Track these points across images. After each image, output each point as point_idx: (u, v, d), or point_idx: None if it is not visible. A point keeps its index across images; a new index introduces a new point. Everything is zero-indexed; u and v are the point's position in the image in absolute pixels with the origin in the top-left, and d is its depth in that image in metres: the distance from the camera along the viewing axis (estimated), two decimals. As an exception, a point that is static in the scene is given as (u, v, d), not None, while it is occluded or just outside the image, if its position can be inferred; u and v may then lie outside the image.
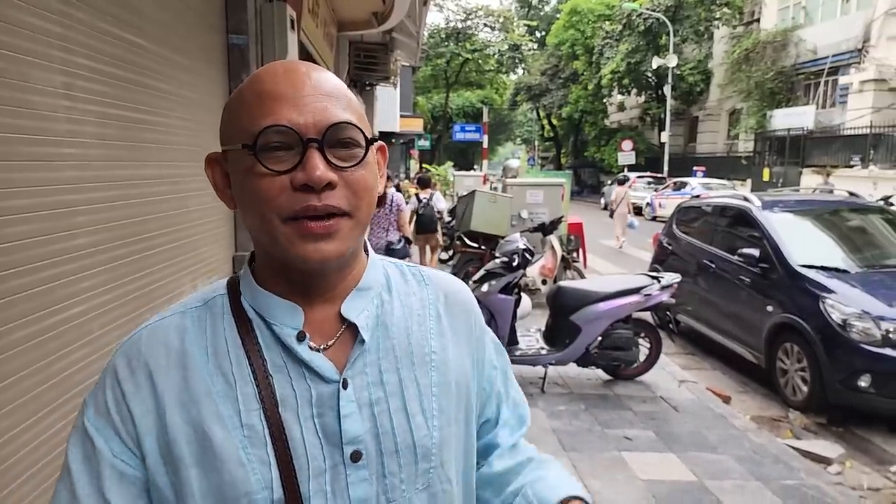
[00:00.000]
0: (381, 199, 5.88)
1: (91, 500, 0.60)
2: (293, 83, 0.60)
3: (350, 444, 0.63)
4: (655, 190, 19.44)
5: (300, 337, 0.64)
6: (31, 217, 1.61)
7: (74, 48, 1.81)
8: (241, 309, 0.66)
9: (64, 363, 1.75)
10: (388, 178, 6.61)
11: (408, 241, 6.13)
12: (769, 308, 4.65)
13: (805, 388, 4.26)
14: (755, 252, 4.82)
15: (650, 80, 25.04)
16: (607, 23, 25.66)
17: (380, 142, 0.70)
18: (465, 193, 8.41)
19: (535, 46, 34.92)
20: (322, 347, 0.65)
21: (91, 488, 0.61)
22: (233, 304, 0.66)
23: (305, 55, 4.94)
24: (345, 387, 0.64)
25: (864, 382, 3.91)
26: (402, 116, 20.08)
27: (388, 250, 5.85)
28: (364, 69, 8.32)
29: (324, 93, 0.61)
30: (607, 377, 4.63)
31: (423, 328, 0.71)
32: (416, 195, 7.44)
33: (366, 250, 0.72)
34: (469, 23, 31.05)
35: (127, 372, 0.63)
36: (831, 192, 7.21)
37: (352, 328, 0.66)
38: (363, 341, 0.66)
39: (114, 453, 0.61)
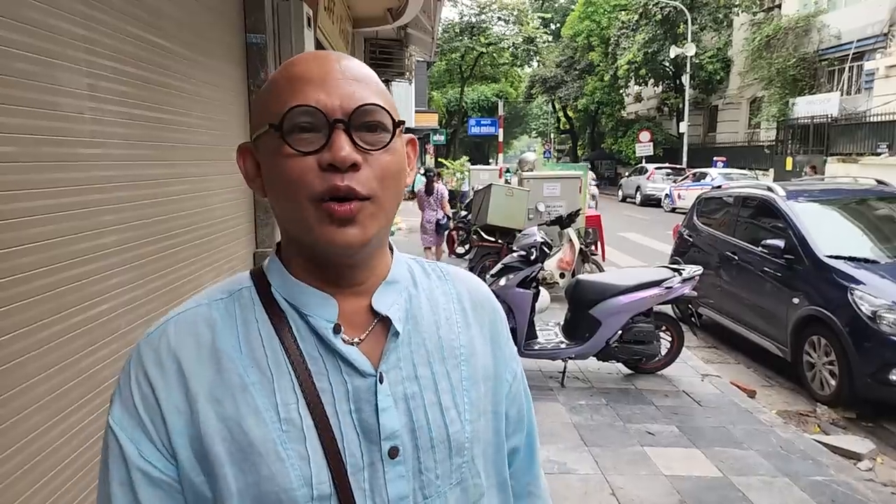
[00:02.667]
0: (430, 189, 8.29)
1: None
2: (323, 67, 0.60)
3: (388, 440, 0.62)
4: (674, 181, 19.16)
5: (336, 329, 0.63)
6: (58, 217, 1.63)
7: (98, 50, 1.83)
8: (272, 300, 0.64)
9: (92, 359, 1.78)
10: (438, 174, 8.99)
11: (448, 218, 8.44)
12: (795, 300, 4.55)
13: (833, 382, 4.17)
14: (780, 243, 4.73)
15: (668, 69, 24.64)
16: (623, 13, 25.27)
17: (411, 135, 0.70)
18: (480, 187, 8.39)
19: (550, 38, 34.52)
20: (356, 341, 0.64)
21: (123, 490, 0.60)
22: (262, 296, 0.64)
23: (321, 52, 4.94)
24: (381, 381, 0.63)
25: (895, 376, 3.81)
26: (417, 112, 20.09)
27: (438, 224, 8.29)
28: (379, 65, 8.32)
29: (353, 77, 0.61)
30: (628, 371, 4.59)
31: (450, 322, 0.70)
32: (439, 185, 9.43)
33: (390, 248, 0.72)
34: (483, 17, 30.83)
35: (156, 368, 0.60)
36: (822, 180, 7.06)
37: (383, 322, 0.65)
38: (397, 334, 0.65)
39: (142, 455, 0.59)
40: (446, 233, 8.40)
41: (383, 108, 0.61)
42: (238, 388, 0.60)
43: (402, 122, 0.63)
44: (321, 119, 0.58)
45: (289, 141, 0.58)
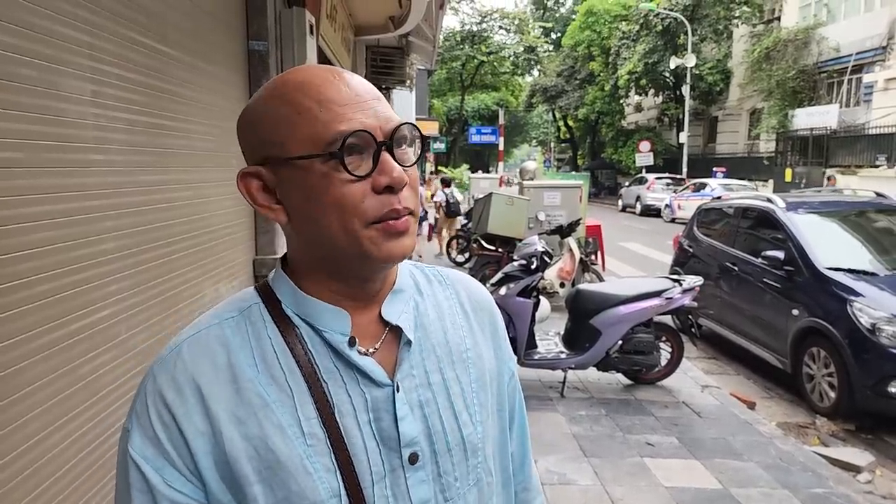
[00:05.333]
0: None
1: None
2: (351, 88, 0.61)
3: (407, 447, 0.63)
4: (674, 191, 19.20)
5: (352, 342, 0.64)
6: (59, 223, 1.63)
7: (102, 56, 1.84)
8: (283, 316, 0.64)
9: (92, 366, 1.78)
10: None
11: (425, 211, 10.38)
12: (795, 312, 4.55)
13: (833, 394, 4.17)
14: (780, 254, 4.73)
15: (668, 80, 24.77)
16: (624, 23, 25.45)
17: None
18: (481, 196, 8.41)
19: (551, 48, 34.79)
20: (370, 351, 0.65)
21: None
22: (273, 312, 0.65)
23: (324, 60, 4.98)
24: (398, 390, 0.64)
25: (894, 388, 3.81)
26: (417, 119, 20.14)
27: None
28: (380, 73, 8.37)
29: (374, 96, 0.62)
30: (628, 382, 4.58)
31: (456, 326, 0.72)
32: (443, 190, 10.31)
33: None
34: (484, 25, 31.08)
35: (174, 393, 0.60)
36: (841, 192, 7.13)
37: (394, 330, 0.67)
38: (409, 342, 0.67)
39: (168, 483, 0.59)
40: (424, 223, 10.37)
41: (413, 124, 0.63)
42: (259, 406, 0.60)
43: (428, 138, 0.66)
44: (370, 142, 0.59)
45: (348, 167, 0.58)
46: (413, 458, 0.63)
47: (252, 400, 0.60)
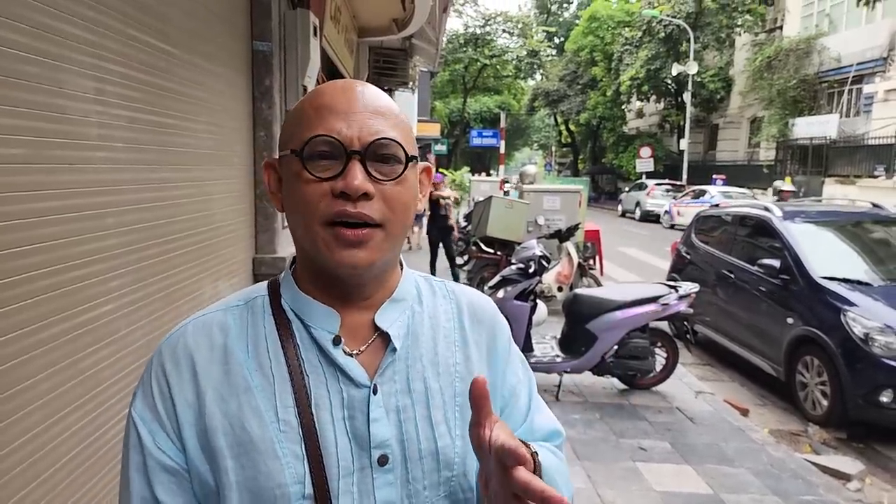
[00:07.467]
0: None
1: (139, 487, 0.65)
2: (348, 99, 0.65)
3: (378, 448, 0.65)
4: (674, 198, 19.24)
5: (336, 341, 0.67)
6: (63, 218, 1.66)
7: (106, 55, 1.86)
8: (281, 310, 0.69)
9: (92, 360, 1.80)
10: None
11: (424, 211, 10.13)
12: (789, 320, 4.58)
13: (825, 403, 4.19)
14: (776, 263, 4.77)
15: (670, 86, 24.82)
16: (627, 29, 25.51)
17: (427, 164, 0.73)
18: (481, 199, 8.45)
19: (554, 52, 34.87)
20: (355, 352, 0.68)
21: (139, 475, 0.65)
22: (273, 305, 0.69)
23: (327, 61, 5.01)
24: (374, 392, 0.66)
25: (885, 398, 3.84)
26: (419, 121, 20.18)
27: (416, 216, 11.07)
28: (383, 74, 8.40)
29: (374, 110, 0.65)
30: (623, 386, 4.60)
31: (448, 340, 0.73)
32: None
33: (400, 265, 0.75)
34: (488, 28, 31.13)
35: (172, 365, 0.66)
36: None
37: (383, 336, 0.69)
38: (395, 350, 0.69)
39: (157, 444, 0.64)
40: (423, 219, 10.48)
41: (398, 142, 0.65)
42: (242, 389, 0.65)
43: (416, 157, 0.68)
44: (339, 149, 0.63)
45: (308, 167, 0.63)
46: (382, 460, 0.65)
47: (238, 382, 0.65)
